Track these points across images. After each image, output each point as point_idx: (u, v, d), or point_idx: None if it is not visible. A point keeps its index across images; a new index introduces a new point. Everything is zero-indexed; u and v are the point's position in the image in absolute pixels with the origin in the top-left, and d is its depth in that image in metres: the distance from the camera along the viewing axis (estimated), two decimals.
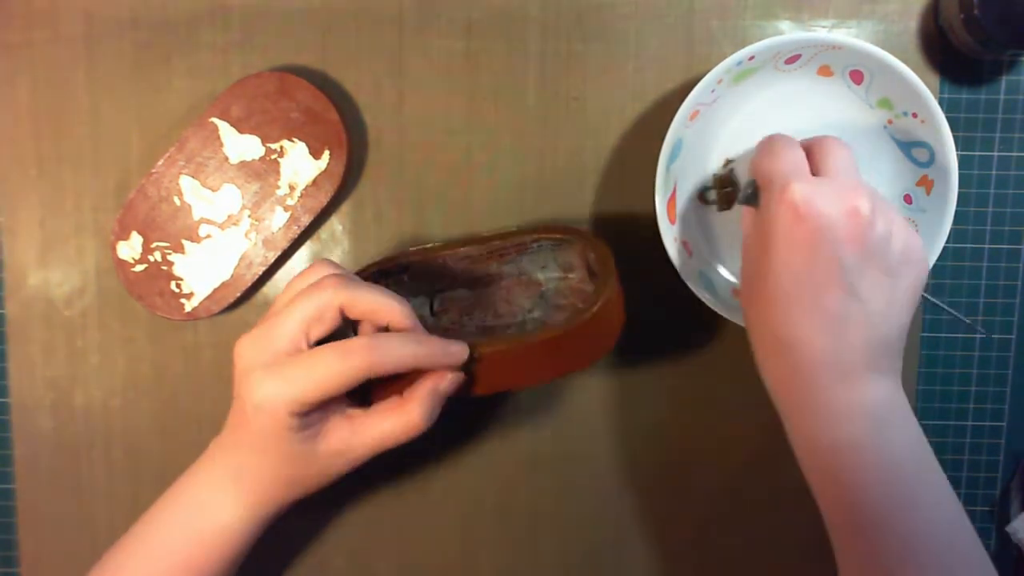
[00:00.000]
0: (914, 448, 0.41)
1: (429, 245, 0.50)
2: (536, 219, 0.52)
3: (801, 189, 0.39)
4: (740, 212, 0.49)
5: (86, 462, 0.54)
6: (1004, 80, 0.52)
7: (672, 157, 0.47)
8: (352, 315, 0.42)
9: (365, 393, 0.44)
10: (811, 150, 0.43)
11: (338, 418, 0.43)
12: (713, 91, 0.47)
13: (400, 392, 0.43)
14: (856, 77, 0.48)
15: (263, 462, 0.43)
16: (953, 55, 0.51)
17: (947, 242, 0.48)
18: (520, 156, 0.52)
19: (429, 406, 0.43)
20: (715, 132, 0.50)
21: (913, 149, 0.49)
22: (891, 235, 0.40)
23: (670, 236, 0.48)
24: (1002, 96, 0.52)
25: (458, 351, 0.42)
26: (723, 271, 0.51)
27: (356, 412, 0.43)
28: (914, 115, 0.47)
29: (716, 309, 0.48)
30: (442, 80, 0.52)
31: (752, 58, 0.46)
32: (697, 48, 0.51)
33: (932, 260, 0.48)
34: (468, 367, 0.43)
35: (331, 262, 0.44)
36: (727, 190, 0.50)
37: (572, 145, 0.52)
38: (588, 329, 0.43)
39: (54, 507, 0.54)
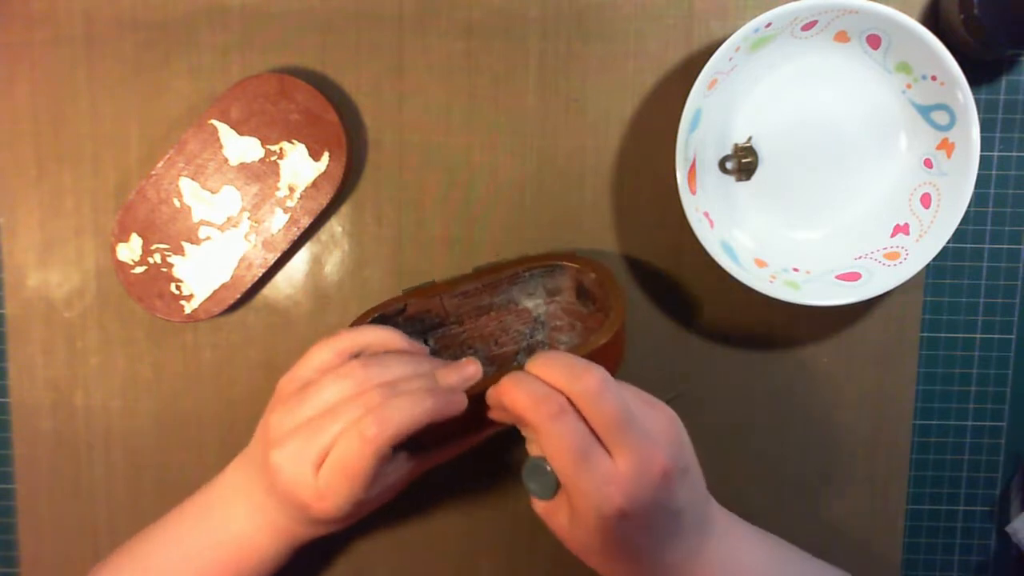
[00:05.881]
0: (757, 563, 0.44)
1: (427, 283, 0.51)
2: (532, 234, 0.52)
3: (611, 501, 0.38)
4: (761, 180, 0.51)
5: (86, 462, 0.54)
6: (1004, 80, 0.52)
7: (692, 127, 0.47)
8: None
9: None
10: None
11: (400, 462, 0.44)
12: (731, 59, 0.47)
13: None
14: (873, 42, 0.48)
15: (288, 514, 0.44)
16: (953, 55, 0.51)
17: (947, 242, 0.48)
18: (520, 156, 0.52)
19: None
20: (735, 102, 0.50)
21: (932, 113, 0.49)
22: (678, 456, 0.40)
23: (692, 207, 0.47)
24: (1002, 96, 0.52)
25: (459, 400, 0.42)
26: (744, 239, 0.51)
27: (416, 457, 0.45)
28: (933, 78, 0.47)
29: (740, 279, 0.47)
30: (442, 80, 0.52)
31: (769, 25, 0.46)
32: (697, 48, 0.51)
33: (956, 222, 0.48)
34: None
35: (366, 366, 0.42)
36: (747, 160, 0.50)
37: (572, 145, 0.52)
38: (607, 350, 0.44)
39: (54, 507, 0.54)
